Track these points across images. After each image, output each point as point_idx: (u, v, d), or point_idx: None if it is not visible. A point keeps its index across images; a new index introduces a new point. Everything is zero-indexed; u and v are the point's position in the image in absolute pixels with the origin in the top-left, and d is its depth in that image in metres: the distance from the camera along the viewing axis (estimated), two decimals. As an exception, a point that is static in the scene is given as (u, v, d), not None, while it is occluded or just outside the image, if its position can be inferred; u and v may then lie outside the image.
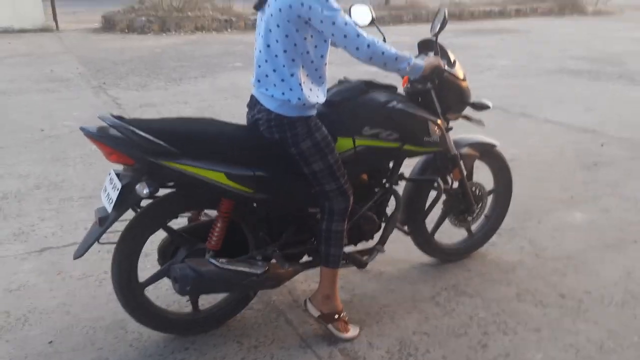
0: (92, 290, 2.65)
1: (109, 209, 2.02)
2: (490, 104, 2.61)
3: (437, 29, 2.40)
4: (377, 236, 2.58)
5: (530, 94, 6.64)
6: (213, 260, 2.10)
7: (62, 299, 2.59)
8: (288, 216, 2.32)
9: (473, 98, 2.63)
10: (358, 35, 2.02)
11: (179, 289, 2.07)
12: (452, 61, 2.52)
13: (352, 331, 2.34)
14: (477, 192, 2.84)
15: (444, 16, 2.38)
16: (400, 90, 2.51)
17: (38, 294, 2.62)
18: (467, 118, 2.68)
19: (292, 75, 2.06)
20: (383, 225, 2.58)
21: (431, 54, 2.51)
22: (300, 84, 2.07)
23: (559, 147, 4.72)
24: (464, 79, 2.55)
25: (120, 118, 2.01)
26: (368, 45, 2.04)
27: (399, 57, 2.12)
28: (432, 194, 2.73)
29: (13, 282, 2.71)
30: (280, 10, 1.99)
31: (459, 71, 2.52)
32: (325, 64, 2.17)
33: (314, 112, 2.16)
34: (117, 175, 2.06)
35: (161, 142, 1.96)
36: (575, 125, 5.32)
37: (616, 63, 8.64)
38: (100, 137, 1.96)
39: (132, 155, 1.97)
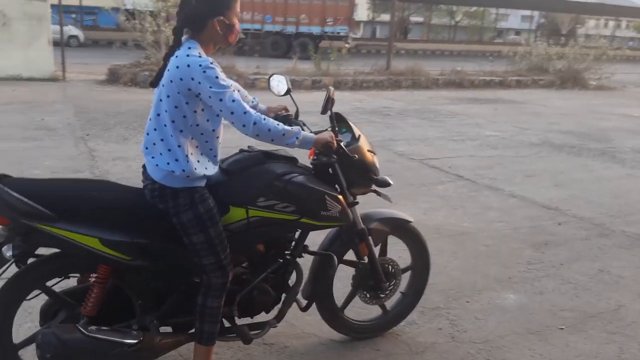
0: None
1: (-20, 267, 2.01)
2: (390, 181, 2.58)
3: (325, 107, 2.43)
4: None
5: (504, 166, 6.63)
6: (81, 328, 2.06)
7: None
8: (171, 285, 2.29)
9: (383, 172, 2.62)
10: (245, 112, 2.04)
11: (40, 357, 2.02)
12: (357, 136, 2.53)
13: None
14: (390, 268, 2.79)
15: (329, 94, 2.42)
16: (307, 162, 2.52)
17: None
18: (376, 193, 2.66)
19: (179, 146, 2.08)
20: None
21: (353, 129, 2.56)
22: (186, 156, 2.08)
23: (514, 222, 4.66)
24: (369, 155, 2.54)
25: (3, 176, 2.03)
26: (254, 123, 2.06)
27: (286, 133, 2.13)
28: (344, 268, 2.71)
29: None
30: (171, 81, 2.03)
31: (363, 146, 2.52)
32: (218, 137, 2.20)
33: (200, 184, 2.16)
34: (-4, 234, 2.07)
35: (35, 205, 1.97)
36: (538, 202, 5.26)
37: (602, 139, 8.65)
38: (-24, 196, 1.98)
39: (7, 215, 1.98)
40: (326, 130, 2.57)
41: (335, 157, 2.40)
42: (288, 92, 2.57)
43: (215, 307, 2.19)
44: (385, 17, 50.03)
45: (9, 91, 10.68)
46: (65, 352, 2.02)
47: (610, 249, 4.17)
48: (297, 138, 2.16)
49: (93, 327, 2.09)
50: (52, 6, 13.57)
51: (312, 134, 2.25)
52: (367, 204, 2.77)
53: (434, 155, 6.97)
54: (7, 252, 1.95)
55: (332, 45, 24.79)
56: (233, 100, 2.02)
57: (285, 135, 2.13)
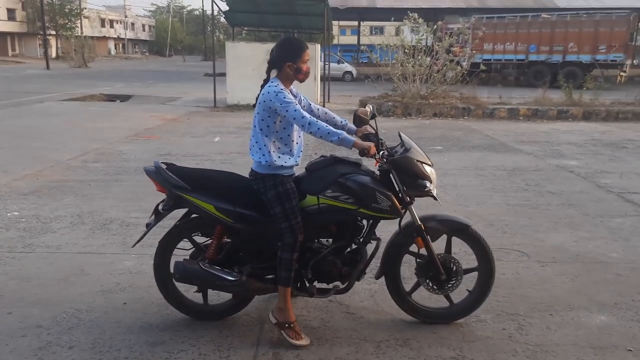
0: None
1: (151, 218, 3.28)
2: (427, 184, 3.08)
3: (354, 122, 3.12)
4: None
5: None
6: (200, 262, 3.16)
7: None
8: (264, 245, 3.22)
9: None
10: (302, 117, 2.95)
11: (173, 275, 3.18)
12: (408, 148, 3.13)
13: (302, 340, 3.10)
14: (452, 265, 3.25)
15: (355, 113, 3.10)
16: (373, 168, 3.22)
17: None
18: (433, 197, 3.18)
19: (264, 145, 3.06)
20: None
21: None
22: (269, 152, 3.05)
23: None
24: (418, 164, 3.09)
25: (168, 164, 3.27)
26: (309, 124, 2.95)
27: (330, 133, 2.96)
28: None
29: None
30: (259, 103, 3.04)
31: (412, 157, 3.09)
32: (293, 140, 3.11)
33: (281, 172, 3.09)
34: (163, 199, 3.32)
35: (180, 181, 3.14)
36: None
37: None
38: (151, 174, 3.24)
39: (165, 187, 3.20)
40: (398, 145, 3.26)
41: (385, 162, 3.08)
42: (373, 117, 3.30)
43: (288, 259, 3.07)
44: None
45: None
46: (187, 276, 3.16)
47: None
48: (338, 138, 2.95)
49: (208, 265, 3.17)
50: (333, 47, 16.06)
51: (352, 139, 2.97)
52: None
53: None
54: (160, 207, 3.19)
55: (604, 73, 23.01)
56: (295, 110, 2.95)
57: (329, 134, 2.96)
